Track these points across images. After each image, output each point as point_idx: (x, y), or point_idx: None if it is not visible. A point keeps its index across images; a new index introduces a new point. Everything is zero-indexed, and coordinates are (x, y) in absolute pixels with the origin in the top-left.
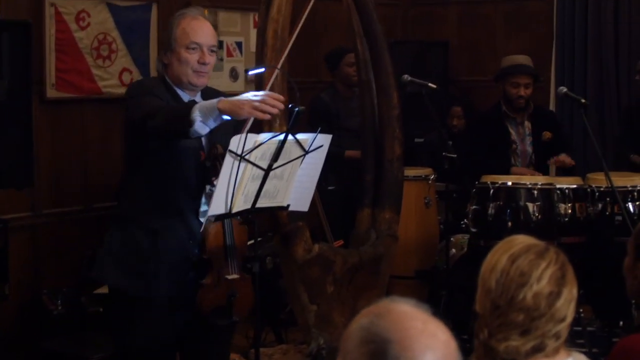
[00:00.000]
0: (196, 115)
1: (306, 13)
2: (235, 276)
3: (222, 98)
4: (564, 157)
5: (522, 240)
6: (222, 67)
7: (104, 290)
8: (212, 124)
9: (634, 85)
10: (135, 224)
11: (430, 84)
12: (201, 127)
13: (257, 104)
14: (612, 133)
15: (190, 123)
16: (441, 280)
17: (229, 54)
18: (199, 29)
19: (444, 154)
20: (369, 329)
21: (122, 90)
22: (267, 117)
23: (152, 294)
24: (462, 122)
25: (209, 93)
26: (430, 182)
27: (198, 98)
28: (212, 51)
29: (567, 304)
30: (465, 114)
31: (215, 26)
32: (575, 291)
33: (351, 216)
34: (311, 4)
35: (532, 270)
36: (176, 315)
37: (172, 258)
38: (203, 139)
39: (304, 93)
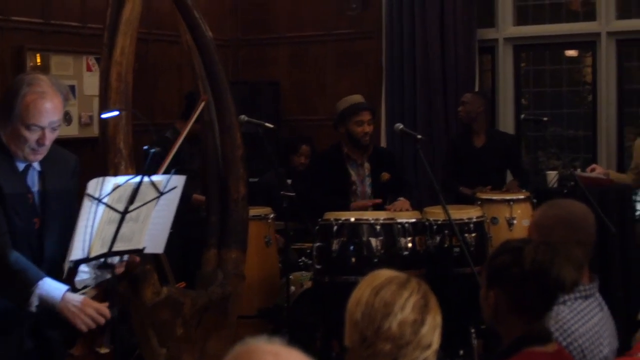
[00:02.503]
0: (33, 300)
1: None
2: (106, 350)
3: (66, 295)
4: (401, 204)
5: (384, 273)
6: None
7: None
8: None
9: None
10: None
11: (267, 124)
12: (33, 309)
13: (88, 320)
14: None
15: (25, 303)
16: (283, 317)
17: None
18: (43, 110)
19: (282, 192)
20: None
21: None
22: (84, 330)
23: None
24: (308, 160)
25: (53, 153)
26: (269, 221)
27: (36, 164)
28: (53, 129)
29: (432, 331)
30: (312, 153)
31: (47, 69)
32: (439, 318)
33: (192, 258)
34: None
35: (396, 300)
36: None
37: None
38: (29, 181)
39: (140, 135)
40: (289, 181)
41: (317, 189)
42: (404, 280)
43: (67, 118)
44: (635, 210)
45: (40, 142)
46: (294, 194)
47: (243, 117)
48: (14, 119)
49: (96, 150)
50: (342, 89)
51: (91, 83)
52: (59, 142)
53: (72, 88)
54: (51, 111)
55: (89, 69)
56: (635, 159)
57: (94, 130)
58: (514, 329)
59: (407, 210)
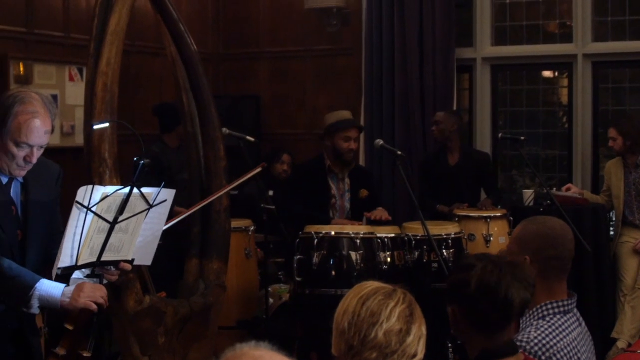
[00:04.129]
0: (34, 303)
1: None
2: (88, 354)
3: (65, 290)
4: (380, 212)
5: (371, 284)
6: None
7: None
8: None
9: None
10: None
11: (248, 137)
12: (35, 310)
13: (96, 298)
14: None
15: (26, 306)
16: (261, 329)
17: None
18: (35, 130)
19: (262, 205)
20: None
21: None
22: (94, 308)
23: None
24: (289, 168)
25: (37, 163)
26: (250, 233)
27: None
28: (41, 146)
29: (417, 340)
30: (293, 161)
31: (30, 78)
32: (424, 328)
33: (175, 268)
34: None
35: (382, 310)
36: None
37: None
38: (13, 193)
39: (124, 146)
40: (271, 192)
41: (297, 201)
42: (390, 291)
43: None
44: (610, 230)
45: (27, 159)
46: (274, 207)
47: (225, 129)
48: (4, 135)
49: (78, 159)
50: (322, 104)
51: (73, 93)
52: None
53: (55, 97)
54: (42, 131)
55: (71, 79)
56: (606, 181)
57: (76, 140)
58: (476, 343)
59: (386, 218)
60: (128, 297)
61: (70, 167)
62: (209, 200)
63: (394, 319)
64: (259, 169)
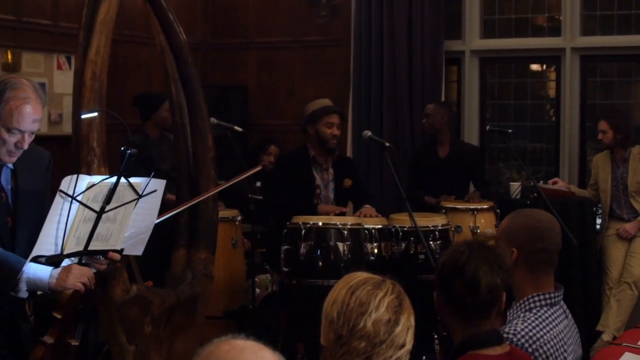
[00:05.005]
0: (22, 286)
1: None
2: (76, 343)
3: (52, 272)
4: (369, 211)
5: (360, 274)
6: None
7: None
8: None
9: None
10: None
11: (236, 127)
12: (24, 294)
13: (83, 279)
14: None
15: (14, 290)
16: (248, 319)
17: None
18: (27, 116)
19: (249, 195)
20: None
21: None
22: (82, 289)
23: None
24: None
25: (27, 151)
26: (237, 223)
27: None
28: (32, 132)
29: (405, 331)
30: (280, 153)
31: (18, 66)
32: (412, 319)
33: (162, 257)
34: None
35: (371, 300)
36: None
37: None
38: (3, 180)
39: (109, 135)
40: (258, 183)
41: (282, 191)
42: (379, 281)
43: None
44: (596, 224)
45: (18, 145)
46: (261, 197)
47: (213, 119)
48: None
49: (65, 148)
50: (310, 95)
51: (61, 81)
52: None
53: (43, 86)
54: (34, 117)
55: (59, 67)
56: (593, 175)
57: (64, 129)
58: (458, 331)
59: (375, 216)
60: (115, 286)
61: (58, 156)
62: (206, 196)
63: (383, 309)
64: (259, 168)
